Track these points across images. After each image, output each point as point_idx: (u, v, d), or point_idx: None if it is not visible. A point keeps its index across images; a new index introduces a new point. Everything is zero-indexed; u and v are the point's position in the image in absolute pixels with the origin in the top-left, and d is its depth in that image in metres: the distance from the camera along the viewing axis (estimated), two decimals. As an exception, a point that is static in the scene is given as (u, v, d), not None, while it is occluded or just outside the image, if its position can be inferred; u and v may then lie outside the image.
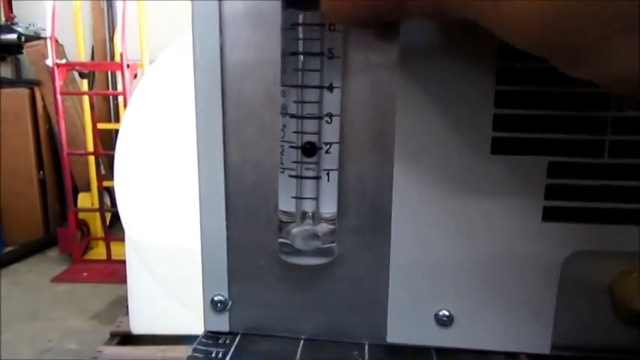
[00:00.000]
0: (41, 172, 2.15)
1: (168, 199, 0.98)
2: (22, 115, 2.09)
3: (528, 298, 0.22)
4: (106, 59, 2.35)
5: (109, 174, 1.91)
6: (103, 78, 2.37)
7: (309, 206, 0.21)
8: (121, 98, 1.89)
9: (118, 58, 1.85)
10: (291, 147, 0.20)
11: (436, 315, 0.22)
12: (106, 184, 1.95)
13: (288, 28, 0.19)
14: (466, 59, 0.20)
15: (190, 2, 0.21)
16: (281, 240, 0.21)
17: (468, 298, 0.22)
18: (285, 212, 0.21)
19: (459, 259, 0.22)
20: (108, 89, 2.36)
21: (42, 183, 2.16)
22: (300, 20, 0.19)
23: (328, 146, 0.20)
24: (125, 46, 1.77)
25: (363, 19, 0.16)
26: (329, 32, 0.19)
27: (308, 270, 0.22)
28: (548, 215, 0.21)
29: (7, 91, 2.08)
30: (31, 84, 2.14)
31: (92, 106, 1.90)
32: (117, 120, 2.13)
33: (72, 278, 1.84)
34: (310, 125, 0.20)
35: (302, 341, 0.23)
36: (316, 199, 0.20)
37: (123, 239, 1.12)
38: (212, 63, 0.21)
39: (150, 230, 1.02)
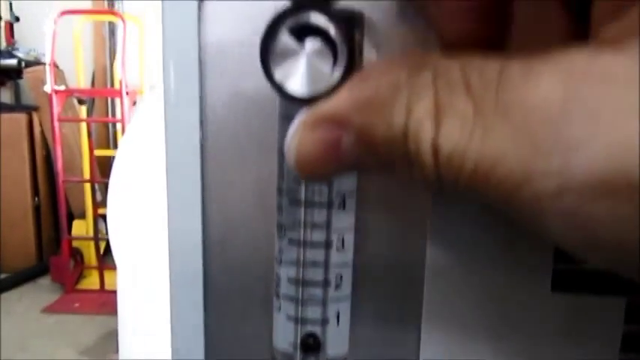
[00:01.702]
0: (36, 199, 2.12)
1: (160, 230, 0.95)
2: (19, 141, 2.06)
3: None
4: (107, 85, 2.34)
5: (106, 201, 1.88)
6: (103, 103, 2.36)
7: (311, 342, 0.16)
8: (119, 125, 1.87)
9: (117, 85, 1.84)
10: (290, 282, 0.16)
11: None
12: (101, 211, 1.91)
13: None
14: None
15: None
16: None
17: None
18: (280, 352, 0.17)
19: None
20: (107, 115, 2.34)
21: (37, 209, 2.12)
22: None
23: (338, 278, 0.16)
24: (125, 73, 1.76)
25: (340, 175, 0.14)
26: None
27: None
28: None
29: (5, 117, 2.06)
30: (30, 109, 2.12)
31: (90, 133, 1.88)
32: (115, 146, 2.10)
33: (63, 309, 1.78)
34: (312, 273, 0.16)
35: None
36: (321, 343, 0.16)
37: (116, 268, 1.08)
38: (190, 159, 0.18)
39: (141, 263, 0.98)
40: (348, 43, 0.13)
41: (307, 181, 0.15)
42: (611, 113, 0.09)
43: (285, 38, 0.13)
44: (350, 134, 0.12)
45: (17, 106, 2.21)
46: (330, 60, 0.13)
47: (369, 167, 0.13)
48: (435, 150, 0.11)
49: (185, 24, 0.17)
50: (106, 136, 2.34)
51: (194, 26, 0.17)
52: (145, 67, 1.89)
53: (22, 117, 2.08)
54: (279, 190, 0.16)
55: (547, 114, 0.10)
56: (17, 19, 2.25)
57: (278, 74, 0.13)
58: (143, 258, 0.97)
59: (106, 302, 1.75)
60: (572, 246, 0.11)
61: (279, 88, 0.13)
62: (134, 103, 1.87)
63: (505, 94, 0.10)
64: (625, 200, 0.09)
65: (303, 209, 0.16)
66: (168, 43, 0.17)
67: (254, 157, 0.18)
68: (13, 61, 2.14)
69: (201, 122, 0.17)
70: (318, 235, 0.16)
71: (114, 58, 2.17)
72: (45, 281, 2.00)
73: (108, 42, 2.37)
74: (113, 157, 1.76)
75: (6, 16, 2.19)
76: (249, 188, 0.18)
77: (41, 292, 1.92)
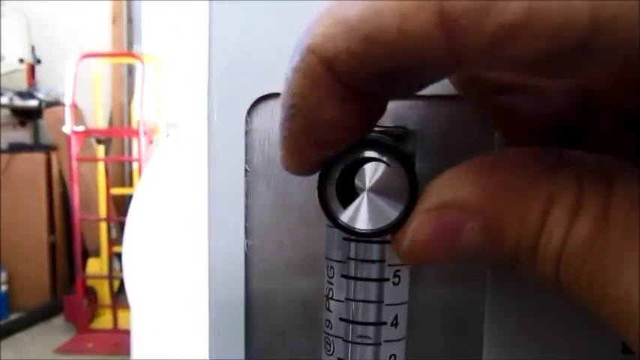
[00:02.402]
0: (52, 236, 2.13)
1: (177, 274, 0.94)
2: (37, 180, 2.09)
3: None
4: (124, 124, 2.38)
5: (121, 239, 1.88)
6: (120, 142, 2.39)
7: None
8: (136, 164, 1.89)
9: (135, 124, 1.87)
10: None
11: None
12: (116, 249, 1.92)
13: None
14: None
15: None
16: None
17: None
18: None
19: None
20: (124, 152, 2.37)
21: (52, 247, 2.13)
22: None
23: None
24: (143, 112, 1.79)
25: (452, 261, 0.12)
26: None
27: None
28: None
29: (25, 156, 2.10)
30: (49, 149, 2.16)
31: (107, 172, 1.90)
32: (131, 184, 2.12)
33: (76, 349, 1.77)
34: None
35: None
36: None
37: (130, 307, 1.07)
38: (233, 269, 0.17)
39: (155, 304, 0.97)
40: (409, 174, 0.13)
41: (413, 264, 0.14)
42: None
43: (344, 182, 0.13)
44: (475, 222, 0.11)
45: (36, 145, 2.25)
46: (392, 193, 0.13)
47: (485, 258, 0.12)
48: (562, 248, 0.10)
49: (232, 136, 0.17)
50: (122, 175, 2.37)
51: (241, 139, 0.16)
52: (161, 106, 1.93)
53: (40, 156, 2.11)
54: (328, 307, 0.16)
55: None
56: (39, 61, 2.31)
57: (343, 216, 0.13)
58: (158, 298, 0.96)
59: (119, 343, 1.73)
60: None
61: (346, 230, 0.13)
62: (150, 142, 1.90)
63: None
64: None
65: (351, 325, 0.15)
66: (213, 155, 0.17)
67: (300, 266, 0.17)
68: (34, 102, 2.19)
69: (247, 230, 0.17)
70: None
71: (131, 97, 2.21)
72: (58, 321, 1.99)
73: (126, 82, 2.42)
74: (129, 195, 1.77)
75: (28, 58, 2.26)
76: (294, 298, 0.17)
77: (55, 332, 1.91)
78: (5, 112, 2.26)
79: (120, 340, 1.75)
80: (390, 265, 0.15)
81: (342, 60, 0.10)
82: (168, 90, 1.96)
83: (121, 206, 2.08)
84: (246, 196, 0.17)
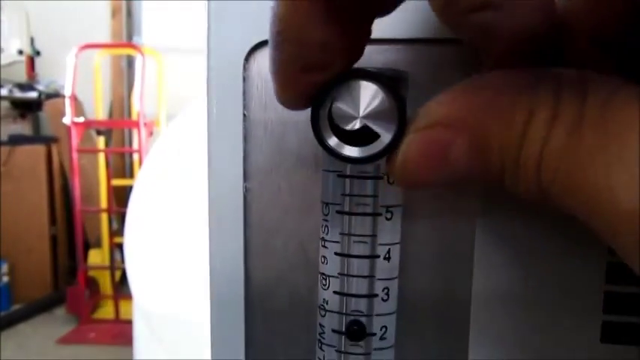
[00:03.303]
0: (53, 228, 2.14)
1: (179, 264, 0.94)
2: (38, 172, 2.10)
3: None
4: (124, 116, 2.38)
5: (122, 230, 1.89)
6: (120, 133, 2.40)
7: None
8: (136, 155, 1.89)
9: (135, 116, 1.87)
10: (334, 331, 0.16)
11: None
12: (117, 240, 1.93)
13: (331, 171, 0.15)
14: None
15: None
16: None
17: None
18: None
19: None
20: (124, 145, 2.38)
21: (53, 239, 2.14)
22: (348, 171, 0.15)
23: (383, 331, 0.16)
24: (143, 104, 1.79)
25: (443, 184, 0.13)
26: (388, 185, 0.15)
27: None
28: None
29: (25, 148, 2.10)
30: (49, 141, 2.16)
31: (107, 163, 1.90)
32: (131, 176, 2.13)
33: (78, 340, 1.78)
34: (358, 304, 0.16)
35: None
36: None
37: (132, 297, 1.08)
38: (232, 212, 0.18)
39: (158, 294, 0.98)
40: (399, 105, 0.13)
41: (407, 187, 0.15)
42: None
43: (335, 105, 0.13)
44: (463, 138, 0.12)
45: (37, 137, 2.26)
46: (382, 122, 0.13)
47: (474, 176, 0.13)
48: (541, 154, 0.11)
49: (230, 81, 0.17)
50: (123, 166, 2.37)
51: (239, 85, 0.17)
52: (162, 98, 1.93)
53: (41, 149, 2.12)
54: (323, 244, 0.16)
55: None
56: (38, 53, 2.31)
57: (331, 140, 0.13)
58: (160, 287, 0.97)
59: (121, 333, 1.74)
60: None
61: (333, 153, 0.13)
62: (151, 134, 1.90)
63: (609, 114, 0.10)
64: None
65: (346, 260, 0.16)
66: (212, 100, 0.17)
67: (297, 209, 0.18)
68: (33, 94, 2.19)
69: (245, 173, 0.17)
70: (363, 285, 0.16)
71: (131, 89, 2.22)
72: (60, 312, 2.00)
73: (126, 74, 2.43)
74: (129, 187, 1.79)
75: (27, 50, 2.26)
76: (291, 239, 0.18)
77: (56, 323, 1.92)
78: (5, 104, 2.26)
79: (121, 330, 1.76)
80: (382, 206, 0.16)
81: None
82: (169, 82, 1.97)
83: (121, 197, 2.08)
84: (245, 140, 0.17)
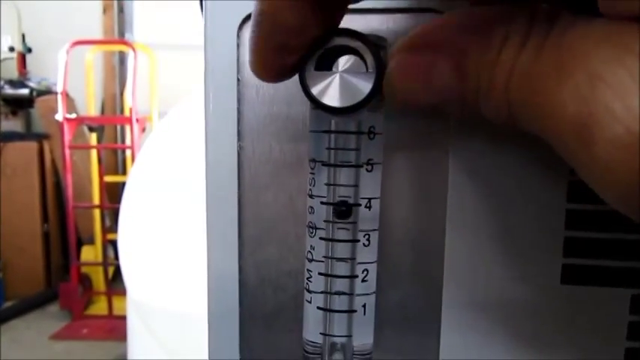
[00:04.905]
0: (45, 225, 2.14)
1: (172, 259, 0.95)
2: (30, 169, 2.10)
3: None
4: (116, 113, 2.38)
5: (114, 226, 1.89)
6: (112, 130, 2.40)
7: (339, 337, 0.18)
8: (128, 152, 1.90)
9: (127, 112, 1.87)
10: (320, 274, 0.17)
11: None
12: (110, 236, 1.93)
13: (318, 131, 0.17)
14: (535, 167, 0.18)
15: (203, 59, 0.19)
16: None
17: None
18: (310, 342, 0.18)
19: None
20: (116, 142, 2.38)
21: (46, 236, 2.14)
22: (333, 127, 0.16)
23: (365, 273, 0.18)
24: (135, 100, 1.80)
25: (430, 105, 0.15)
26: (369, 141, 0.17)
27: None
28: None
29: (16, 145, 2.10)
30: (41, 137, 2.16)
31: (100, 160, 1.91)
32: (124, 172, 2.13)
33: (71, 336, 1.78)
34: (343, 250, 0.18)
35: None
36: (349, 336, 0.18)
37: (125, 293, 1.09)
38: (227, 168, 0.19)
39: (152, 289, 0.99)
40: (377, 58, 0.15)
41: (398, 104, 0.16)
42: None
43: (320, 59, 0.15)
44: (446, 59, 0.13)
45: (28, 134, 2.26)
46: (362, 75, 0.15)
47: (454, 98, 0.14)
48: (510, 74, 0.12)
49: (225, 49, 0.19)
50: (115, 163, 2.38)
51: (233, 52, 0.19)
52: (154, 94, 1.94)
53: (33, 145, 2.12)
54: (310, 195, 0.18)
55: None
56: (29, 50, 2.31)
57: (315, 90, 0.15)
58: (154, 282, 0.98)
59: (114, 328, 1.75)
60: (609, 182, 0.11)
61: (316, 102, 0.15)
62: (143, 130, 1.91)
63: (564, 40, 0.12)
64: None
65: (332, 208, 0.18)
66: (209, 66, 0.19)
67: (286, 166, 0.19)
68: (25, 91, 2.19)
69: (239, 133, 0.19)
70: (345, 235, 0.18)
71: (123, 86, 2.22)
72: (53, 308, 2.00)
73: (118, 71, 2.43)
74: (122, 183, 1.79)
75: (19, 47, 2.26)
76: (281, 193, 0.19)
77: (49, 319, 1.92)
78: (-4, 101, 2.26)
79: (114, 325, 1.76)
80: (364, 162, 0.18)
81: None
82: (161, 78, 1.97)
83: (114, 194, 2.09)
84: (238, 102, 0.19)
